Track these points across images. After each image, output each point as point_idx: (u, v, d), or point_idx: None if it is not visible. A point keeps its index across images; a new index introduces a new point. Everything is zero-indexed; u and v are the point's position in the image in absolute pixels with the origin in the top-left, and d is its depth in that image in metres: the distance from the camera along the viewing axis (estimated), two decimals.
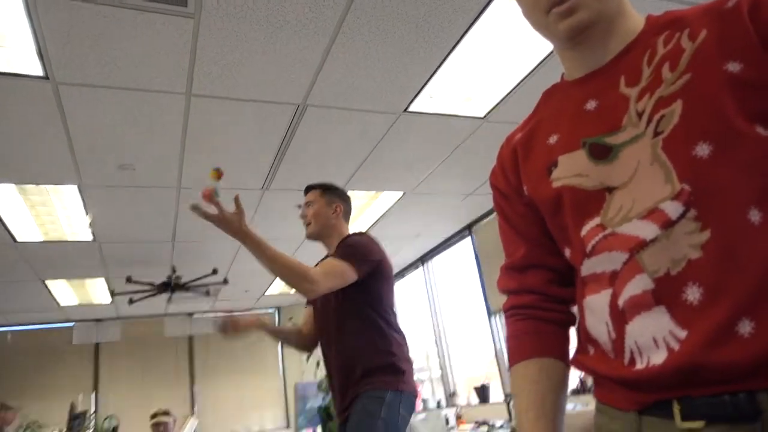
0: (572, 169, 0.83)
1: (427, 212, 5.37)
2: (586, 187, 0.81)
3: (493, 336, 5.61)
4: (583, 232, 0.82)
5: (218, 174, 1.78)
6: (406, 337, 2.12)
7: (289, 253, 5.94)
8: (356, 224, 5.35)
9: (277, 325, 8.59)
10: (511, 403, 4.55)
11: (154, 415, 4.06)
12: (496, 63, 3.05)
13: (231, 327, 1.99)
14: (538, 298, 0.95)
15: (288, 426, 8.19)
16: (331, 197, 2.28)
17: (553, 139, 0.89)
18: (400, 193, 4.79)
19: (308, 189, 2.33)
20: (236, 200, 1.75)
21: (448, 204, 5.22)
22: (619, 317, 0.77)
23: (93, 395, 7.51)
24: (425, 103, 3.32)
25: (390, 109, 3.33)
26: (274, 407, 8.36)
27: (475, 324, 6.25)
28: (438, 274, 6.95)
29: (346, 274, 1.95)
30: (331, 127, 3.47)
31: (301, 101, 3.13)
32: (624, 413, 0.78)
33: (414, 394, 2.01)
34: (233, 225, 1.72)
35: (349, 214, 2.35)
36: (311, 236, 2.26)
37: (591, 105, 0.85)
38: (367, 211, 5.15)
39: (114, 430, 5.76)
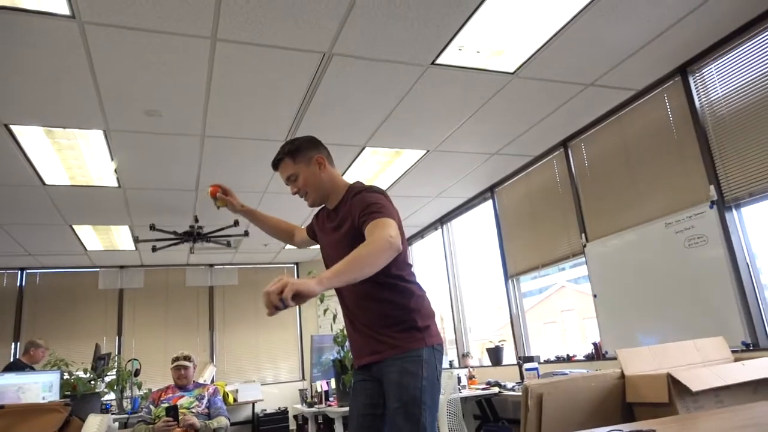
0: None
1: (449, 172, 5.32)
2: None
3: (509, 300, 5.62)
4: None
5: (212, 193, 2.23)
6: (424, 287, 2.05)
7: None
8: (377, 182, 5.32)
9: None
10: (524, 366, 4.58)
11: (175, 359, 4.17)
12: (532, 13, 2.93)
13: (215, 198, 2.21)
14: None
15: (303, 378, 8.43)
16: (305, 155, 2.00)
17: None
18: (423, 151, 4.74)
19: (276, 164, 2.04)
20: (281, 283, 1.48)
21: (472, 164, 5.16)
22: None
23: (117, 338, 7.79)
24: (454, 55, 3.23)
25: (418, 60, 3.25)
26: (289, 359, 8.59)
27: (491, 288, 6.27)
28: (457, 236, 6.93)
29: (394, 224, 1.80)
30: (357, 78, 3.40)
31: (327, 49, 3.07)
32: None
33: (442, 344, 1.97)
34: (308, 292, 1.47)
35: (330, 155, 2.09)
36: (315, 205, 2.08)
37: None
38: (388, 169, 5.11)
39: (136, 373, 5.96)
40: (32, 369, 5.35)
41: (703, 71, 3.59)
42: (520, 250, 5.49)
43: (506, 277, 5.68)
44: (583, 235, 4.56)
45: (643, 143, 4.02)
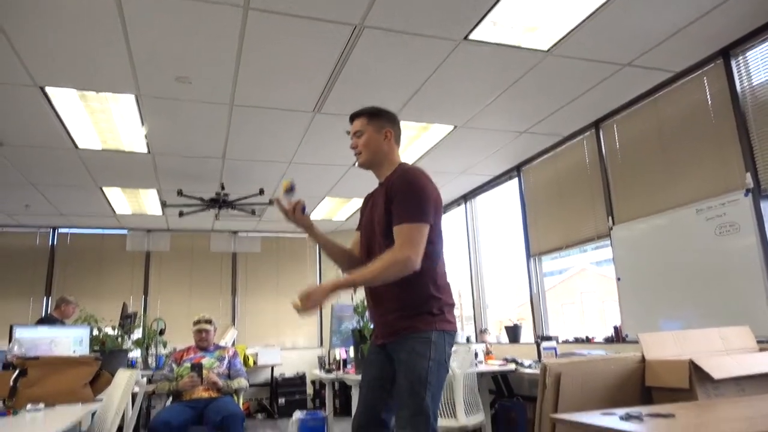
0: None
1: (476, 149, 5.27)
2: None
3: (530, 279, 5.61)
4: None
5: (288, 187, 2.08)
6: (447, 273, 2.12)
7: (338, 178, 6.01)
8: (403, 157, 5.30)
9: (317, 254, 8.83)
10: (542, 345, 4.60)
11: (197, 322, 4.28)
12: None
13: (292, 211, 2.11)
14: None
15: (321, 345, 8.59)
16: (380, 122, 2.18)
17: None
18: (451, 127, 4.69)
19: (354, 117, 2.23)
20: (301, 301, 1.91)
21: (500, 141, 5.10)
22: None
23: (143, 298, 8.02)
24: (488, 31, 3.16)
25: (450, 35, 3.20)
26: (308, 326, 8.74)
27: (512, 266, 6.26)
28: (480, 213, 6.90)
29: (423, 232, 1.94)
30: (388, 51, 3.37)
31: (358, 21, 3.03)
32: None
33: (455, 332, 2.05)
34: (321, 298, 1.88)
35: (400, 137, 2.25)
36: (363, 167, 2.22)
37: None
38: (415, 143, 5.09)
39: (161, 332, 6.14)
40: (63, 324, 5.56)
41: (747, 55, 3.46)
42: (545, 230, 5.45)
43: (528, 257, 5.65)
44: (610, 218, 4.50)
45: (679, 127, 3.91)
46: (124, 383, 2.03)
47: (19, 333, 3.59)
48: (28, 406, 2.10)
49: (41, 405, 2.13)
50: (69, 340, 3.88)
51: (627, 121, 4.40)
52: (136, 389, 2.20)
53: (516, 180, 5.90)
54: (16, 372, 2.24)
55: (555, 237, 5.27)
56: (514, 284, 6.66)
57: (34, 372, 2.28)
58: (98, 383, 2.50)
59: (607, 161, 4.60)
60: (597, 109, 4.46)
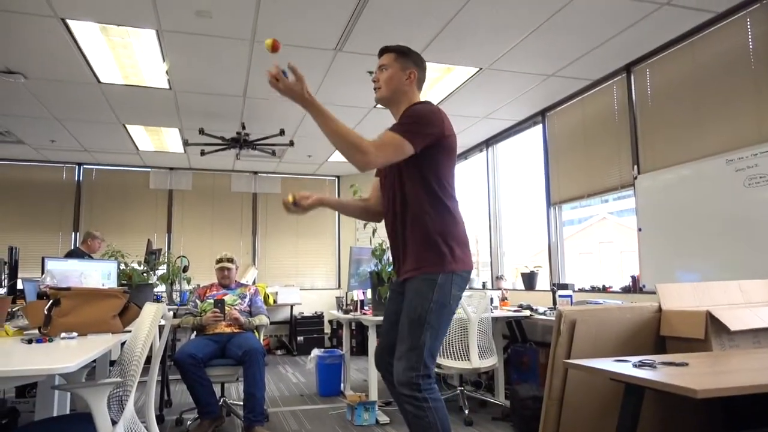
0: None
1: (501, 92, 5.13)
2: None
3: (549, 227, 5.59)
4: None
5: (273, 46, 1.97)
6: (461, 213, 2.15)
7: (357, 120, 5.94)
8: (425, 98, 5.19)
9: (337, 195, 8.87)
10: (558, 293, 4.63)
11: (219, 260, 4.37)
12: None
13: (294, 204, 2.12)
14: None
15: (339, 286, 8.78)
16: (405, 62, 2.19)
17: None
18: (476, 69, 4.55)
19: (383, 51, 2.23)
20: (292, 68, 1.85)
21: (526, 85, 4.95)
22: None
23: (166, 236, 8.21)
24: None
25: None
26: (326, 268, 8.91)
27: (530, 214, 6.22)
28: (502, 159, 6.81)
29: (402, 147, 1.94)
30: None
31: None
32: None
33: (468, 271, 2.08)
34: (296, 91, 1.85)
35: (423, 81, 2.25)
36: (380, 101, 2.23)
37: None
38: (437, 86, 4.97)
39: (185, 269, 6.29)
40: (90, 258, 5.74)
41: None
42: (567, 178, 5.37)
43: (548, 205, 5.61)
44: (635, 167, 4.41)
45: (715, 72, 3.74)
46: (152, 316, 2.10)
47: (51, 265, 3.72)
48: (62, 335, 2.20)
49: (74, 334, 2.23)
50: (98, 274, 4.00)
51: (660, 66, 4.22)
52: (163, 322, 2.29)
53: (540, 126, 5.77)
54: (50, 302, 2.33)
55: (577, 185, 5.19)
56: (531, 232, 6.65)
57: (67, 302, 2.37)
58: (127, 315, 2.59)
59: (637, 107, 4.45)
60: (630, 52, 4.27)
